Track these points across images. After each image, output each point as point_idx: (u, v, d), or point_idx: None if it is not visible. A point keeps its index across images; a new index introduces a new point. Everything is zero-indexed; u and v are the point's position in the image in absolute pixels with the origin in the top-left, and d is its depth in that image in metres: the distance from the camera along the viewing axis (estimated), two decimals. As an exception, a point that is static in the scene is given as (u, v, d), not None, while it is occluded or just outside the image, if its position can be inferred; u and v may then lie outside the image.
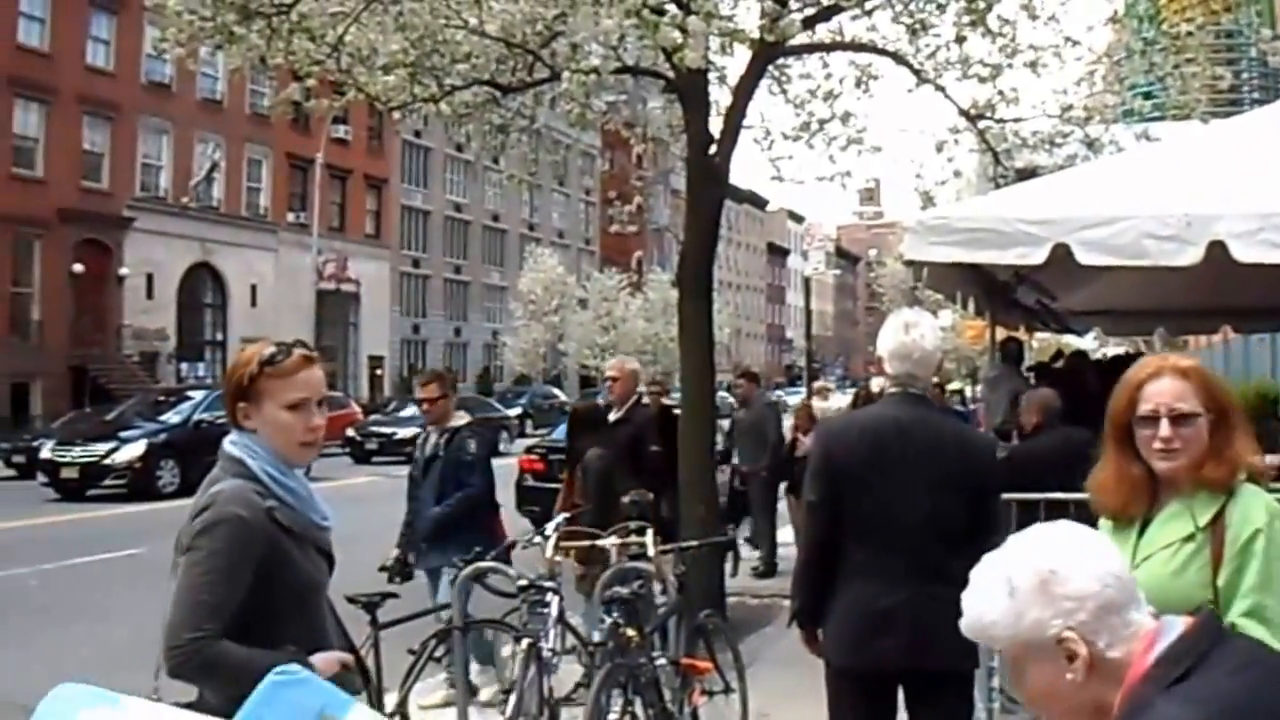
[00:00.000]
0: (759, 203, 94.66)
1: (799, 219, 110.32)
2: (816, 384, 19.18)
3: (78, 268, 36.46)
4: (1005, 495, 6.55)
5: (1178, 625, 1.69)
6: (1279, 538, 2.52)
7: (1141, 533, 2.72)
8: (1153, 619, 1.70)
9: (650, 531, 6.20)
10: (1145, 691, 1.62)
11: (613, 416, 8.41)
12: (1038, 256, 5.94)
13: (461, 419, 7.40)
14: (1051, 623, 1.66)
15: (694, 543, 6.98)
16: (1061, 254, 5.91)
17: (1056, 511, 6.31)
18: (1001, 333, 11.56)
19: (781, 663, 7.87)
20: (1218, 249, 5.68)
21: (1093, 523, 6.42)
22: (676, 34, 6.86)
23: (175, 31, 8.33)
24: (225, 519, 2.62)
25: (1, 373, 34.03)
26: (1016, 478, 6.88)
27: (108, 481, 21.43)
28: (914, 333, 3.91)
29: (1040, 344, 20.12)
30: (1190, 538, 2.60)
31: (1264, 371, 19.06)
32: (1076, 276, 8.36)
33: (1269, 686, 1.61)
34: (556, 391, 50.43)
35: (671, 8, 7.25)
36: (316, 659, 2.66)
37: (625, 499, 6.81)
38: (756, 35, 7.27)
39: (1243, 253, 5.68)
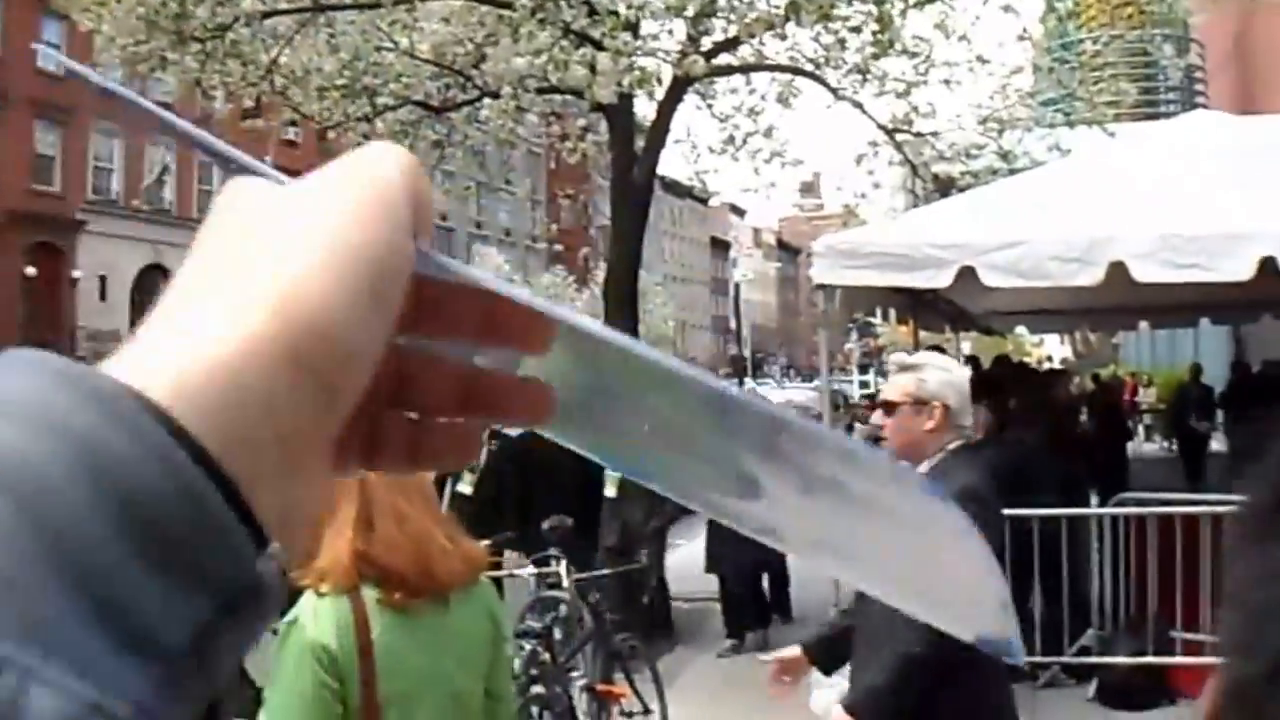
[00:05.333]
0: (701, 199, 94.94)
1: (741, 213, 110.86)
2: None
3: (30, 271, 36.21)
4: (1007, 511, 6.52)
5: None
6: (290, 636, 2.49)
7: None
8: None
9: (564, 561, 6.33)
10: None
11: None
12: (944, 280, 6.16)
13: None
14: None
15: (607, 571, 7.07)
16: (968, 275, 6.17)
17: (1051, 525, 6.43)
18: (925, 336, 11.78)
19: (700, 681, 8.04)
20: (1118, 269, 5.92)
21: (1056, 541, 6.39)
22: (586, 73, 6.98)
23: (109, 56, 8.40)
24: None
25: (-49, 380, 33.68)
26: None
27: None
28: None
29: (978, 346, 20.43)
30: None
31: (1187, 356, 20.55)
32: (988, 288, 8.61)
33: None
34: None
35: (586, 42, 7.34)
36: None
37: (544, 525, 6.51)
38: (666, 76, 7.40)
39: (1142, 272, 5.94)
